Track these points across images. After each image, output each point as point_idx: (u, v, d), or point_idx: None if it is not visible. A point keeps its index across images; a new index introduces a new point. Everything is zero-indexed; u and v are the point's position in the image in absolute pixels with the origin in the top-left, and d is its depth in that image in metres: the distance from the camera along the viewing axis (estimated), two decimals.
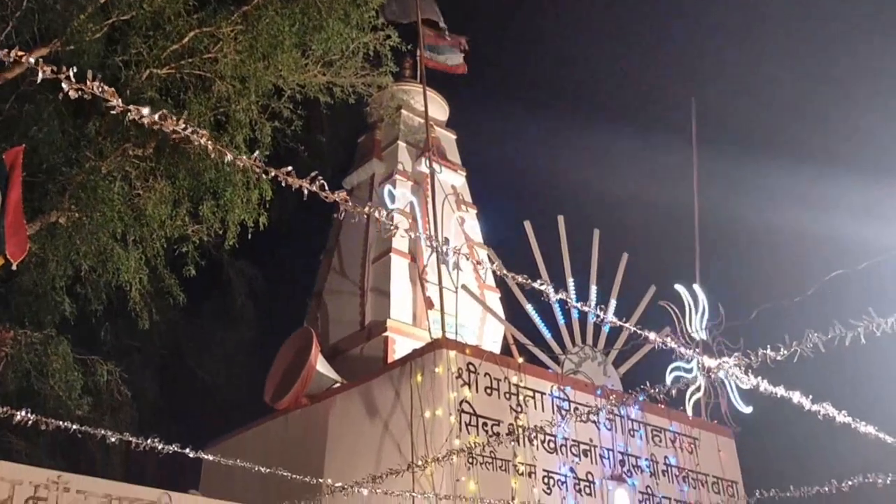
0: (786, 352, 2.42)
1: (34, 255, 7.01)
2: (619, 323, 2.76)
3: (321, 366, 7.84)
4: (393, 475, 3.97)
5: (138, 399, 8.94)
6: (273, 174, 2.34)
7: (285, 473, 4.30)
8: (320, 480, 4.62)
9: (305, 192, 2.32)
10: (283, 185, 2.35)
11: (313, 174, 2.32)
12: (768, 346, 2.48)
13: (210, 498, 5.63)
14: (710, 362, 2.78)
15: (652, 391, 2.79)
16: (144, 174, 7.23)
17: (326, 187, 2.33)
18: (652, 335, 2.70)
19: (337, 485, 4.57)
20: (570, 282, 8.04)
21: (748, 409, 8.60)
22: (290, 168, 2.29)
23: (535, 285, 2.58)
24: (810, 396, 2.80)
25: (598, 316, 2.77)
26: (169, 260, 8.11)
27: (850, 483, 3.61)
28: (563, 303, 8.29)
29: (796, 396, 2.74)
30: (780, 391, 2.73)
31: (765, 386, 2.71)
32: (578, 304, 2.71)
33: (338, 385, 7.89)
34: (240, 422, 8.40)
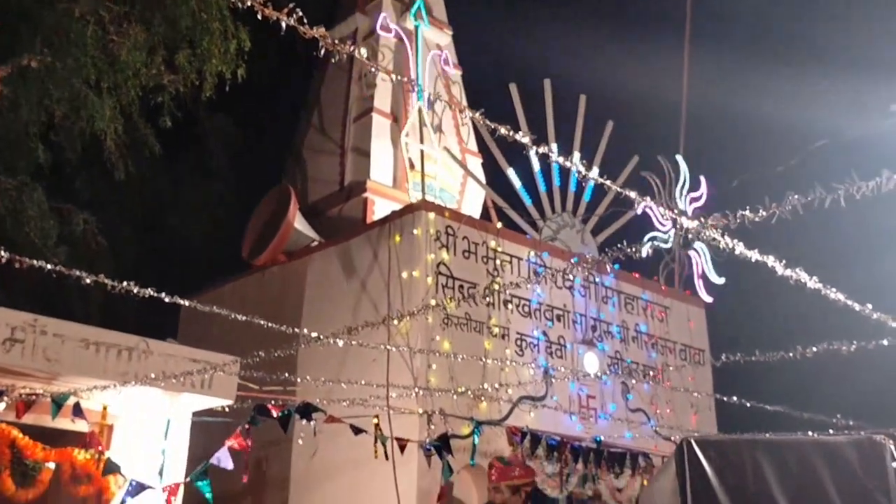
0: (764, 213, 2.44)
1: (6, 99, 6.86)
2: (599, 181, 2.75)
3: (299, 223, 7.84)
4: (369, 328, 4.06)
5: (115, 252, 8.94)
6: (249, 3, 2.24)
7: (262, 322, 4.36)
8: (297, 330, 4.70)
9: (283, 25, 2.23)
10: (260, 18, 2.26)
11: (291, 6, 2.23)
12: (747, 208, 2.49)
13: (187, 345, 5.73)
14: (688, 223, 2.79)
15: (627, 250, 2.81)
16: (118, 18, 7.01)
17: (305, 22, 2.25)
18: (633, 194, 2.70)
19: (313, 335, 4.65)
20: (554, 146, 8.00)
21: (720, 281, 8.77)
22: None
23: (518, 136, 2.55)
24: (783, 261, 2.83)
25: (579, 172, 2.76)
26: (144, 111, 7.98)
27: (814, 350, 3.72)
28: (544, 169, 8.30)
29: (770, 261, 2.78)
30: (755, 255, 2.76)
31: (740, 249, 2.73)
32: (560, 159, 2.69)
33: (316, 243, 7.92)
34: (217, 278, 8.44)
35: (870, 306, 3.17)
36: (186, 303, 3.88)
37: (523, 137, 2.54)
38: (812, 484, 2.66)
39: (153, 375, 5.02)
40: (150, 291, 3.53)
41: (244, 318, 4.23)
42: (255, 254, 7.95)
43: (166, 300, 3.71)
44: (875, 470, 2.64)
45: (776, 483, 2.69)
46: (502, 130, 2.48)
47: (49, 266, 3.30)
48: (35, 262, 3.26)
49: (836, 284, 3.19)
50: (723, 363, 7.78)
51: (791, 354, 3.92)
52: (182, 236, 10.17)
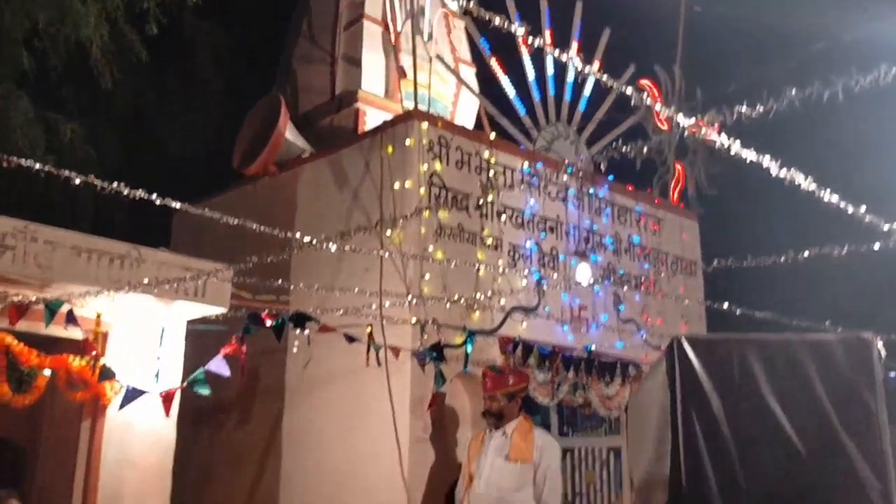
0: (761, 108, 2.42)
1: None
2: (595, 74, 2.71)
3: (290, 133, 7.77)
4: (362, 232, 4.07)
5: (103, 163, 8.88)
6: None
7: (254, 226, 4.36)
8: (289, 234, 4.70)
9: None
10: None
11: None
12: (744, 103, 2.47)
13: (179, 254, 5.75)
14: (684, 121, 2.77)
15: (623, 149, 2.80)
16: None
17: None
18: (629, 90, 2.67)
19: (306, 239, 4.65)
20: (549, 48, 7.85)
21: (713, 193, 8.78)
22: None
23: (514, 28, 2.50)
24: (778, 161, 2.82)
25: (577, 69, 2.71)
26: (130, 18, 7.84)
27: (806, 254, 3.75)
28: (539, 77, 8.19)
29: (766, 161, 2.77)
30: (751, 155, 2.75)
31: (736, 149, 2.72)
32: (555, 52, 2.65)
33: (307, 154, 7.86)
34: (206, 192, 8.39)
35: (863, 208, 3.17)
36: (177, 205, 3.86)
37: (518, 29, 2.49)
38: (799, 380, 2.71)
39: (146, 281, 5.04)
40: (140, 193, 3.51)
41: (236, 221, 4.23)
42: (245, 163, 7.90)
43: (157, 202, 3.69)
44: (862, 367, 2.69)
45: (763, 379, 2.75)
46: (496, 21, 2.43)
47: (38, 165, 3.26)
48: (23, 161, 3.23)
49: (832, 190, 3.19)
50: (714, 270, 7.85)
51: (783, 259, 3.96)
52: (171, 147, 10.08)
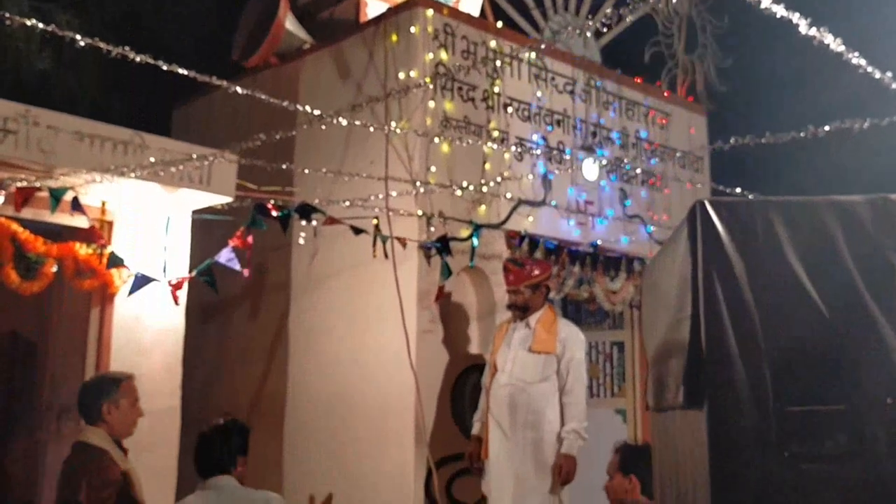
0: None
1: None
2: None
3: (290, 24, 7.57)
4: (368, 105, 3.98)
5: (99, 59, 8.68)
6: None
7: (261, 96, 4.27)
8: (298, 107, 4.60)
9: None
10: None
11: None
12: None
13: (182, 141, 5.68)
14: None
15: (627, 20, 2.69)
16: None
17: None
18: None
19: (315, 112, 4.57)
20: None
21: (723, 88, 8.64)
22: None
23: None
24: (808, 19, 2.72)
25: None
26: None
27: (826, 129, 3.67)
28: None
29: (795, 17, 2.67)
30: (780, 10, 2.65)
31: (765, 2, 2.61)
32: None
33: (308, 46, 7.68)
34: (206, 88, 8.21)
35: (889, 74, 3.08)
36: (184, 71, 3.75)
37: None
38: (824, 242, 2.68)
39: (152, 160, 4.97)
40: (147, 58, 3.40)
41: (244, 91, 4.13)
42: (245, 55, 7.72)
43: (164, 68, 3.59)
44: (890, 229, 2.65)
45: (787, 241, 2.71)
46: None
47: (41, 25, 3.15)
48: (27, 21, 3.11)
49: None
50: (722, 167, 7.77)
51: (802, 134, 3.88)
52: (167, 42, 9.82)
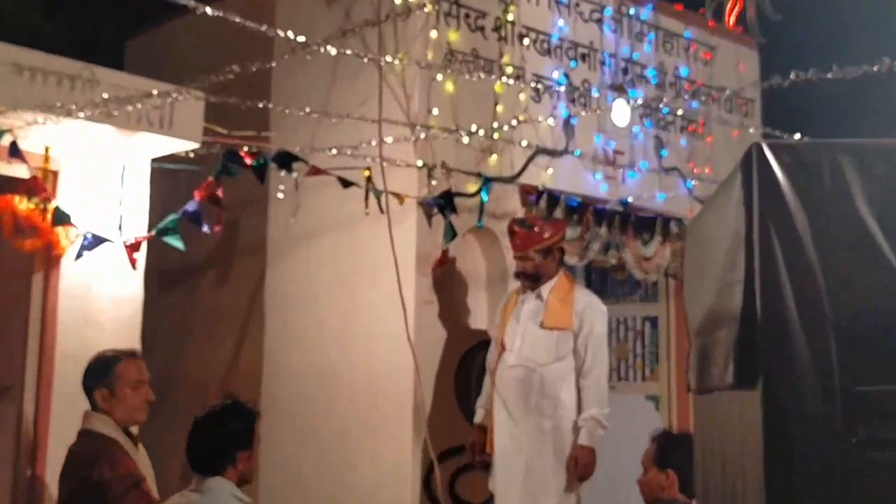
0: None
1: None
2: None
3: None
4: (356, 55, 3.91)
5: None
6: None
7: (233, 18, 4.21)
8: (277, 32, 4.55)
9: None
10: None
11: None
12: None
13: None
14: None
15: None
16: None
17: None
18: None
19: (298, 39, 4.51)
20: None
21: (778, 17, 8.53)
22: None
23: None
24: None
25: None
26: None
27: None
28: None
29: None
30: None
31: None
32: None
33: None
34: (167, 13, 8.14)
35: None
36: None
37: None
38: None
39: (104, 97, 4.92)
40: None
41: (213, 13, 4.07)
42: None
43: None
44: None
45: (859, 191, 2.68)
46: None
47: None
48: None
49: None
50: (775, 111, 7.72)
51: (876, 68, 3.84)
52: None
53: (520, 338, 5.74)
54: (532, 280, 5.83)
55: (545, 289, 5.79)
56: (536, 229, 5.88)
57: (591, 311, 5.75)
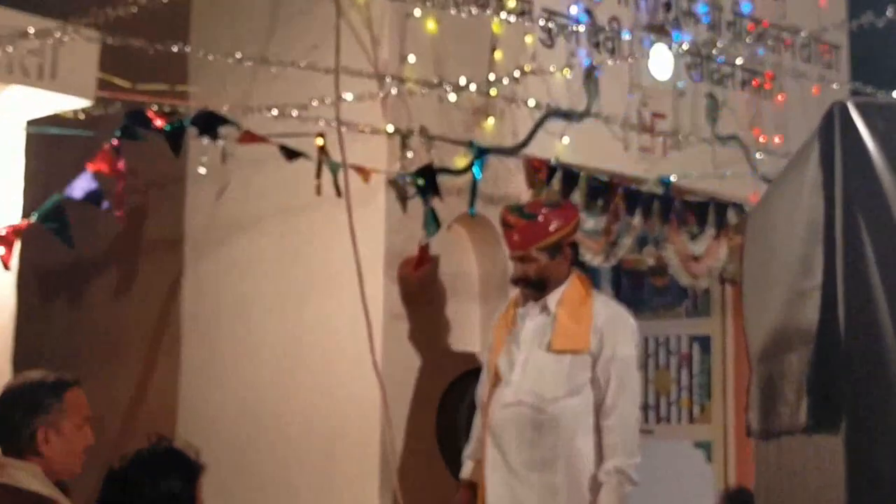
0: None
1: None
2: None
3: None
4: None
5: None
6: None
7: None
8: None
9: None
10: None
11: None
12: None
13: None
14: None
15: None
16: None
17: None
18: None
19: None
20: None
21: None
22: None
23: None
24: None
25: None
26: None
27: None
28: None
29: None
30: None
31: None
32: None
33: None
34: None
35: None
36: None
37: None
38: None
39: None
40: None
41: None
42: None
43: None
44: None
45: None
46: None
47: None
48: None
49: None
50: (866, 53, 7.78)
51: None
52: None
53: (520, 366, 5.72)
54: (535, 288, 5.78)
55: (552, 299, 5.75)
56: (540, 219, 5.79)
57: (615, 326, 5.74)
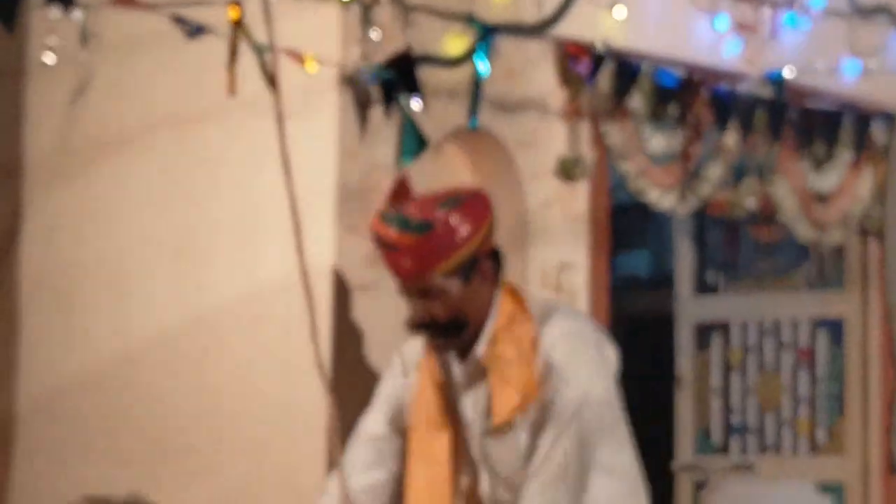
0: None
1: None
2: None
3: None
4: None
5: None
6: None
7: None
8: None
9: None
10: None
11: None
12: None
13: None
14: None
15: None
16: None
17: None
18: None
19: None
20: None
21: None
22: None
23: None
24: None
25: None
26: None
27: None
28: None
29: None
30: None
31: None
32: None
33: None
34: None
35: None
36: None
37: None
38: None
39: None
40: None
41: None
42: None
43: None
44: None
45: None
46: None
47: None
48: None
49: None
50: None
51: None
52: None
53: (485, 474, 5.65)
54: (449, 334, 5.40)
55: (481, 346, 5.42)
56: (438, 227, 5.36)
57: (562, 347, 5.40)
